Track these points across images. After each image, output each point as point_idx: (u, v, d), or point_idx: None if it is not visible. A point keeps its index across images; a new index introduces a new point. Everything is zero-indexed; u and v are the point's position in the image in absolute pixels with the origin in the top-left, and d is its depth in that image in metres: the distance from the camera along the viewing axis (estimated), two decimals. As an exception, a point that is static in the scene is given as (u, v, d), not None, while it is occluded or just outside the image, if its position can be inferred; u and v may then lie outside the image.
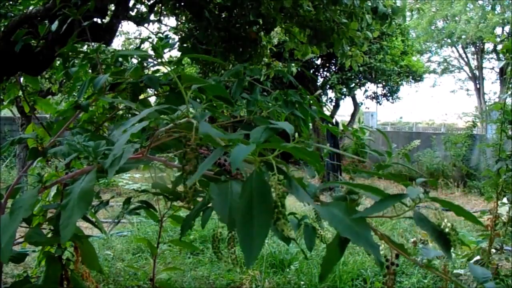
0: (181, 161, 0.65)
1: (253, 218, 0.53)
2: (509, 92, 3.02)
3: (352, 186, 0.67)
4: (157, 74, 1.39)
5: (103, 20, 2.35)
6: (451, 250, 0.62)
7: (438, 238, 0.62)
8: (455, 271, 3.20)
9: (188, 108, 0.69)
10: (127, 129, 0.66)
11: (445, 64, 21.45)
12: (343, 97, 11.24)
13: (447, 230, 0.60)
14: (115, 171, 0.65)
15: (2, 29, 2.21)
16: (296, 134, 1.18)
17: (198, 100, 1.17)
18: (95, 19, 2.21)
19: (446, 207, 0.62)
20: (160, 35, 3.26)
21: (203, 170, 0.59)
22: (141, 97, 1.39)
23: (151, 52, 1.58)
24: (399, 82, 11.14)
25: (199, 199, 0.93)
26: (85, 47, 2.22)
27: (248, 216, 0.53)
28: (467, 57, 19.89)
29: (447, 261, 2.93)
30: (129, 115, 1.45)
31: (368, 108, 16.81)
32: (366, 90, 11.80)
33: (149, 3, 3.14)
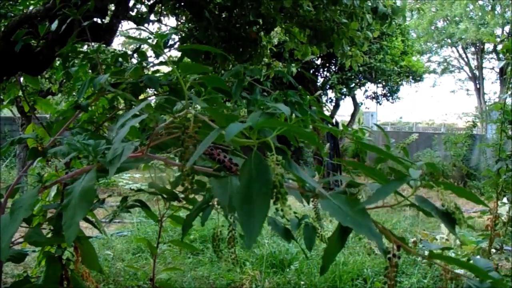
0: (180, 144, 0.64)
1: (253, 198, 0.53)
2: (509, 92, 3.02)
3: (355, 166, 0.67)
4: (157, 74, 1.39)
5: (103, 20, 2.36)
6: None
7: (443, 216, 0.62)
8: (455, 271, 3.20)
9: (187, 102, 0.69)
10: (125, 122, 0.66)
11: (445, 64, 21.46)
12: (343, 97, 11.23)
13: (451, 209, 0.60)
14: (115, 169, 0.64)
15: (2, 29, 2.21)
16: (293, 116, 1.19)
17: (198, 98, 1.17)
18: (95, 19, 2.21)
19: (448, 189, 0.62)
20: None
21: (202, 150, 0.58)
22: (141, 97, 1.39)
23: (151, 52, 1.58)
24: (399, 82, 11.14)
25: (199, 198, 0.93)
26: (85, 47, 2.22)
27: (248, 196, 0.53)
28: (467, 57, 19.91)
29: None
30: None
31: (368, 108, 16.81)
32: (366, 90, 11.79)
33: (149, 3, 3.15)
